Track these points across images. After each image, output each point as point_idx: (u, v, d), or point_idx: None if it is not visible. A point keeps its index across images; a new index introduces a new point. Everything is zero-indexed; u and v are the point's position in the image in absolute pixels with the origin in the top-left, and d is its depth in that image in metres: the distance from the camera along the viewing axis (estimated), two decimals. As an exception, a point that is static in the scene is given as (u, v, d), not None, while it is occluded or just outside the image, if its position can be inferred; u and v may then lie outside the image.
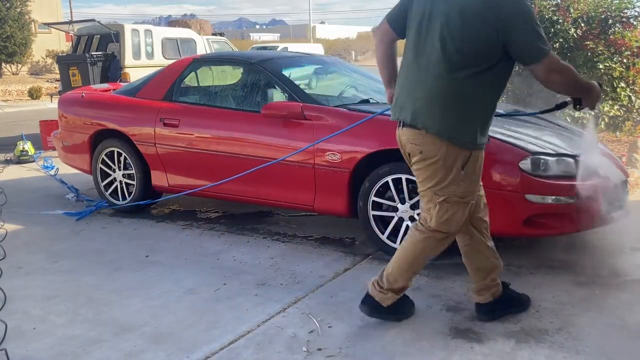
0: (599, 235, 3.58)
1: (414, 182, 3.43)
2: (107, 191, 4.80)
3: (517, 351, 2.46)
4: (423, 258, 2.64)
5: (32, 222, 4.55)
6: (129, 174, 4.68)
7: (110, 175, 4.77)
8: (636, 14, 6.04)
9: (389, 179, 3.50)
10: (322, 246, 3.86)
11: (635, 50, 5.80)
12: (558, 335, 2.57)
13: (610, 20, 5.94)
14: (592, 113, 3.05)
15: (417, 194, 3.44)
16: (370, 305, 2.70)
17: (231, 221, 4.48)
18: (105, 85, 6.09)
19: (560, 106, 2.69)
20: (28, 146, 7.19)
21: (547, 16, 6.02)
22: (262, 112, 3.92)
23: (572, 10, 6.04)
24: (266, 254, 3.71)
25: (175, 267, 3.54)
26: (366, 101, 4.18)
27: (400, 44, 2.72)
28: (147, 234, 4.23)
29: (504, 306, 2.75)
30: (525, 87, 5.42)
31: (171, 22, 28.93)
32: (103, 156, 4.76)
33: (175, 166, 4.44)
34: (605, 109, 5.80)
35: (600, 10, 5.97)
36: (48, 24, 12.58)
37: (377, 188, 3.55)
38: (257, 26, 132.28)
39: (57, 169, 6.14)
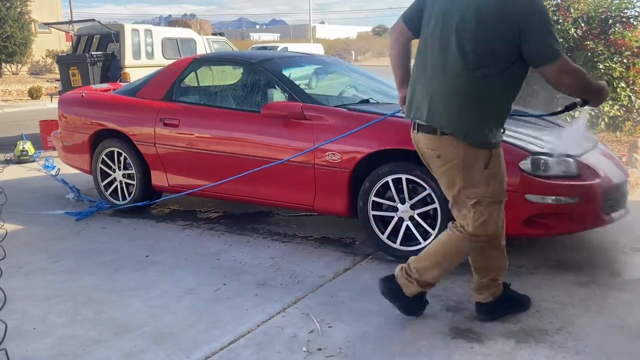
0: (599, 235, 3.58)
1: (414, 182, 3.44)
2: (107, 191, 4.80)
3: (517, 351, 2.46)
4: (456, 258, 2.62)
5: (32, 222, 4.55)
6: (129, 174, 4.68)
7: (110, 175, 4.77)
8: (636, 14, 6.03)
9: (389, 179, 3.50)
10: (322, 246, 3.86)
11: (635, 50, 5.80)
12: (558, 335, 2.57)
13: (610, 20, 5.94)
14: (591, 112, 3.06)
15: (416, 194, 3.46)
16: (389, 285, 2.69)
17: (231, 221, 4.48)
18: (105, 85, 6.09)
19: (569, 107, 2.71)
20: (28, 146, 7.19)
21: (547, 16, 6.01)
22: (262, 112, 3.92)
23: (572, 10, 6.04)
24: (266, 254, 3.71)
25: (175, 267, 3.54)
26: (366, 101, 4.18)
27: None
28: (147, 234, 4.23)
29: (504, 306, 2.75)
30: (524, 87, 5.42)
31: (171, 22, 28.98)
32: (103, 156, 4.77)
33: (175, 166, 4.44)
34: (605, 109, 5.80)
35: (600, 10, 5.97)
36: (48, 24, 12.58)
37: (377, 188, 3.55)
38: (257, 26, 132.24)
39: (59, 169, 6.14)
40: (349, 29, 64.08)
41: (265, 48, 23.92)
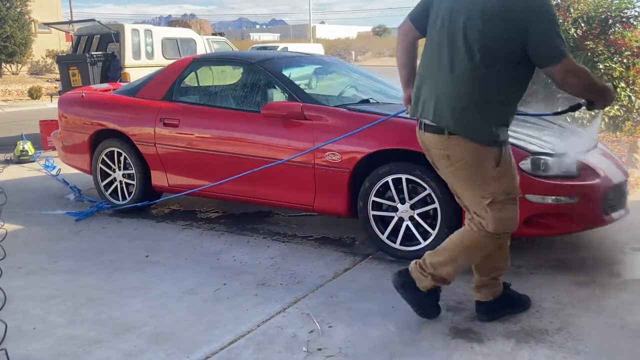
0: (599, 235, 3.58)
1: (414, 182, 3.44)
2: (107, 191, 4.80)
3: (517, 351, 2.46)
4: (474, 254, 2.59)
5: (32, 222, 4.55)
6: (129, 174, 4.68)
7: (110, 175, 4.77)
8: (636, 14, 6.03)
9: (389, 179, 3.50)
10: (322, 246, 3.86)
11: (635, 50, 5.80)
12: (558, 335, 2.57)
13: (610, 20, 5.94)
14: (597, 113, 3.05)
15: (416, 194, 3.46)
16: (403, 279, 2.66)
17: (231, 221, 4.48)
18: (105, 85, 6.09)
19: (574, 108, 2.71)
20: (28, 146, 7.18)
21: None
22: (262, 112, 3.92)
23: (572, 10, 6.04)
24: (266, 254, 3.71)
25: (175, 267, 3.54)
26: (366, 101, 4.18)
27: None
28: (147, 234, 4.23)
29: (504, 306, 2.75)
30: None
31: (171, 22, 28.98)
32: (103, 156, 4.77)
33: (175, 166, 4.44)
34: (606, 109, 5.80)
35: (600, 10, 5.97)
36: (48, 24, 12.58)
37: (377, 188, 3.55)
38: (257, 26, 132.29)
39: (59, 169, 6.14)
40: (349, 29, 64.09)
41: (265, 48, 23.92)
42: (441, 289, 2.72)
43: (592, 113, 5.24)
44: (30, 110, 14.50)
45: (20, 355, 2.52)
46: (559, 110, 2.83)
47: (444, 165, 2.53)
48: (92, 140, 4.84)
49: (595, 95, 2.48)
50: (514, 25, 2.28)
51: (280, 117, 3.88)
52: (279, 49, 22.09)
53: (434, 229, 3.42)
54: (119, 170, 4.71)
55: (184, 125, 4.33)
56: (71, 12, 33.69)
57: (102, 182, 4.81)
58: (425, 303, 2.69)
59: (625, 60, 5.82)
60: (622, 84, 5.85)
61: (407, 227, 3.51)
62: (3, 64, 22.34)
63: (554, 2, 6.27)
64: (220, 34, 14.32)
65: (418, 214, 3.47)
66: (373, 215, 3.60)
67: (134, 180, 4.64)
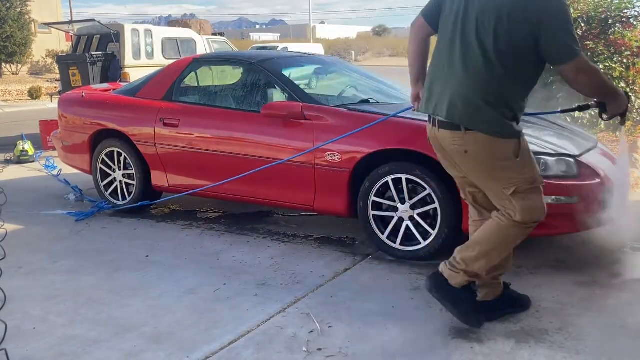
0: (599, 235, 3.58)
1: (414, 182, 3.44)
2: (107, 191, 4.80)
3: (517, 351, 2.46)
4: (505, 247, 2.57)
5: (32, 222, 4.55)
6: (129, 174, 4.68)
7: (110, 175, 4.77)
8: (636, 14, 6.03)
9: (389, 179, 3.50)
10: (322, 246, 3.86)
11: (635, 50, 5.80)
12: (558, 335, 2.57)
13: (610, 20, 5.94)
14: (622, 127, 3.03)
15: (416, 194, 3.46)
16: (435, 280, 2.63)
17: (231, 221, 4.48)
18: (105, 85, 6.09)
19: (582, 108, 2.70)
20: (28, 146, 7.18)
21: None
22: (262, 112, 3.92)
23: (572, 10, 6.04)
24: (266, 254, 3.71)
25: (175, 267, 3.54)
26: (366, 101, 4.18)
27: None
28: (147, 234, 4.23)
29: (504, 306, 2.75)
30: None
31: (171, 22, 28.97)
32: (103, 156, 4.76)
33: (175, 166, 4.44)
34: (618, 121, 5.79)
35: (600, 10, 5.97)
36: (48, 24, 12.57)
37: (377, 188, 3.55)
38: (257, 26, 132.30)
39: (60, 169, 6.13)
40: (349, 29, 64.09)
41: (265, 48, 23.92)
42: (476, 285, 2.69)
43: (592, 113, 5.24)
44: (30, 110, 14.50)
45: (20, 355, 2.53)
46: (568, 108, 2.83)
47: (463, 160, 2.50)
48: (92, 140, 4.84)
49: (607, 97, 2.48)
50: (528, 23, 2.29)
51: (280, 117, 3.88)
52: (279, 49, 22.10)
53: (434, 229, 3.42)
54: (119, 170, 4.71)
55: (184, 125, 4.33)
56: (71, 12, 33.69)
57: (102, 182, 4.81)
58: (463, 304, 2.61)
59: (625, 60, 5.82)
60: (622, 84, 5.84)
61: (407, 227, 3.51)
62: (3, 64, 22.34)
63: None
64: (220, 34, 14.32)
65: (418, 214, 3.47)
66: (373, 215, 3.60)
67: (134, 180, 4.64)
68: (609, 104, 2.50)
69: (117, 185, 4.75)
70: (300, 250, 3.78)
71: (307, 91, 4.22)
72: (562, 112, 3.04)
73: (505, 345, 2.50)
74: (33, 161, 7.05)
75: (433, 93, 2.53)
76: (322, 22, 75.71)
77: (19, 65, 23.15)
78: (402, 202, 3.51)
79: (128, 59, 9.13)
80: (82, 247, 3.94)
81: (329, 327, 2.71)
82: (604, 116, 2.53)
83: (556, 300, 2.93)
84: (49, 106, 13.47)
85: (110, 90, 5.36)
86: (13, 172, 6.53)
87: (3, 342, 2.62)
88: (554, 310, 2.81)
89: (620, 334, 2.59)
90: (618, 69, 5.77)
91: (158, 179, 4.54)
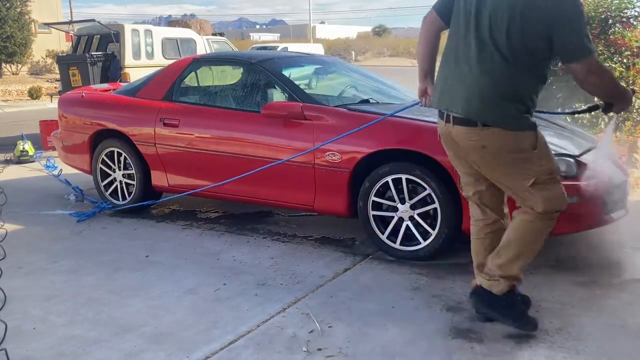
0: (599, 235, 3.58)
1: (414, 182, 3.44)
2: (107, 191, 4.80)
3: (517, 351, 2.46)
4: (535, 241, 2.55)
5: (32, 222, 4.55)
6: (129, 174, 4.68)
7: (110, 175, 4.77)
8: (636, 14, 6.03)
9: (389, 179, 3.50)
10: (322, 246, 3.86)
11: (635, 50, 5.80)
12: (558, 335, 2.57)
13: (610, 20, 5.94)
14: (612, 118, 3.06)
15: (416, 194, 3.46)
16: (478, 295, 2.61)
17: (231, 221, 4.48)
18: (105, 85, 6.09)
19: (592, 109, 2.71)
20: (28, 146, 7.18)
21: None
22: (262, 112, 3.92)
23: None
24: (266, 254, 3.71)
25: (175, 267, 3.54)
26: (366, 101, 4.18)
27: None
28: (147, 234, 4.23)
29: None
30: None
31: (171, 22, 28.96)
32: (103, 156, 4.76)
33: (175, 166, 4.44)
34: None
35: (600, 10, 5.97)
36: (48, 24, 12.57)
37: (377, 188, 3.55)
38: (257, 26, 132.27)
39: (61, 169, 6.13)
40: (349, 29, 64.11)
41: (265, 48, 23.93)
42: (517, 288, 2.66)
43: (592, 113, 5.25)
44: (30, 110, 14.50)
45: (20, 355, 2.53)
46: (577, 109, 2.83)
47: (480, 155, 2.49)
48: (92, 140, 4.84)
49: (615, 98, 2.49)
50: (541, 21, 2.29)
51: (280, 117, 3.88)
52: (279, 49, 22.10)
53: (433, 229, 3.42)
54: (119, 170, 4.71)
55: (184, 125, 4.33)
56: (71, 12, 33.68)
57: (102, 182, 4.81)
58: (513, 310, 2.59)
59: (625, 60, 5.82)
60: (622, 84, 5.84)
61: (407, 227, 3.51)
62: (3, 64, 22.33)
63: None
64: (220, 34, 14.31)
65: (418, 214, 3.47)
66: (373, 215, 3.60)
67: (134, 180, 4.64)
68: (616, 104, 2.51)
69: (117, 185, 4.75)
70: (300, 250, 3.78)
71: (307, 91, 4.22)
72: (573, 113, 3.05)
73: (505, 345, 2.50)
74: (33, 161, 7.05)
75: (446, 89, 2.53)
76: (322, 22, 75.74)
77: (19, 65, 23.15)
78: (402, 202, 3.51)
79: (128, 59, 9.13)
80: (82, 247, 3.94)
81: (329, 327, 2.71)
82: (607, 110, 2.56)
83: (556, 300, 2.93)
84: (49, 106, 13.48)
85: (110, 90, 5.36)
86: (13, 172, 6.53)
87: (3, 342, 2.62)
88: (554, 310, 2.81)
89: (620, 334, 2.59)
90: (618, 69, 5.77)
91: (158, 179, 4.54)
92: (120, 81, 8.24)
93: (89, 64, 8.82)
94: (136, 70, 8.83)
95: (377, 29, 61.97)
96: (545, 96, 4.20)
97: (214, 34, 15.85)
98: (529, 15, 2.30)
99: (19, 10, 21.56)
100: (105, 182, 4.80)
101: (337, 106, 3.90)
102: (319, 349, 2.51)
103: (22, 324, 2.81)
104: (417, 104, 3.19)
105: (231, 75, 5.02)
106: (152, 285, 3.26)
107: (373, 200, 3.58)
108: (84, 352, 2.54)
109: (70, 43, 12.45)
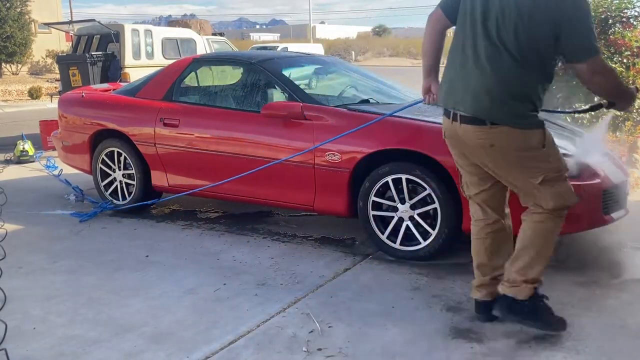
0: (599, 235, 3.58)
1: (414, 182, 3.44)
2: (107, 191, 4.80)
3: (517, 351, 2.46)
4: (549, 242, 2.54)
5: (32, 222, 4.55)
6: (129, 174, 4.68)
7: (110, 175, 4.77)
8: (636, 14, 6.02)
9: (389, 179, 3.50)
10: (322, 246, 3.86)
11: (635, 50, 5.79)
12: (558, 335, 2.57)
13: (610, 20, 5.94)
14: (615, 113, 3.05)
15: (416, 194, 3.46)
16: (503, 303, 2.58)
17: (231, 221, 4.48)
18: (105, 85, 6.09)
19: (595, 108, 2.71)
20: (28, 146, 7.18)
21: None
22: (262, 112, 3.92)
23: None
24: (266, 254, 3.71)
25: (175, 267, 3.54)
26: (366, 101, 4.18)
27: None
28: (147, 234, 4.23)
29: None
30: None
31: (171, 22, 28.96)
32: (103, 156, 4.76)
33: (175, 166, 4.44)
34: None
35: (600, 10, 5.97)
36: (48, 24, 12.57)
37: (377, 188, 3.55)
38: (257, 26, 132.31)
39: (62, 169, 6.13)
40: (349, 29, 64.13)
41: (265, 48, 23.93)
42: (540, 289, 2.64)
43: (592, 113, 5.25)
44: (30, 110, 14.50)
45: (20, 355, 2.53)
46: (580, 108, 2.84)
47: (488, 153, 2.48)
48: (92, 140, 4.84)
49: (618, 97, 2.49)
50: (548, 21, 2.30)
51: (280, 117, 3.88)
52: (279, 49, 22.10)
53: (433, 229, 3.42)
54: (119, 170, 4.71)
55: (184, 125, 4.33)
56: (71, 12, 33.68)
57: (102, 182, 4.81)
58: (542, 313, 2.58)
59: (625, 60, 5.82)
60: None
61: (407, 227, 3.51)
62: (3, 64, 22.34)
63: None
64: (220, 34, 14.32)
65: (418, 214, 3.47)
66: (373, 215, 3.60)
67: (134, 180, 4.64)
68: (619, 102, 2.52)
69: (117, 185, 4.75)
70: (300, 250, 3.78)
71: (307, 91, 4.22)
72: (575, 112, 3.05)
73: (505, 345, 2.50)
74: (33, 161, 7.05)
75: (453, 88, 2.53)
76: (322, 22, 75.77)
77: (19, 65, 23.15)
78: (402, 202, 3.51)
79: (128, 59, 9.13)
80: (82, 247, 3.94)
81: (329, 327, 2.71)
82: (609, 107, 2.56)
83: (556, 300, 2.92)
84: (49, 106, 13.47)
85: (110, 90, 5.36)
86: (13, 172, 6.53)
87: (3, 342, 2.62)
88: (554, 310, 2.81)
89: (620, 334, 2.59)
90: (618, 69, 5.77)
91: (158, 179, 4.54)
92: (120, 81, 8.24)
93: (89, 64, 8.82)
94: (136, 70, 8.83)
95: (377, 29, 61.99)
96: (545, 96, 4.19)
97: (214, 34, 15.85)
98: (536, 16, 2.31)
99: (19, 10, 21.56)
100: (105, 182, 4.80)
101: (337, 106, 3.90)
102: (319, 349, 2.51)
103: (22, 324, 2.81)
104: (418, 102, 3.19)
105: (231, 75, 5.02)
106: (152, 285, 3.26)
107: (373, 200, 3.58)
108: (84, 352, 2.54)
109: (70, 43, 12.45)
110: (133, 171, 4.62)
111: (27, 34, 21.86)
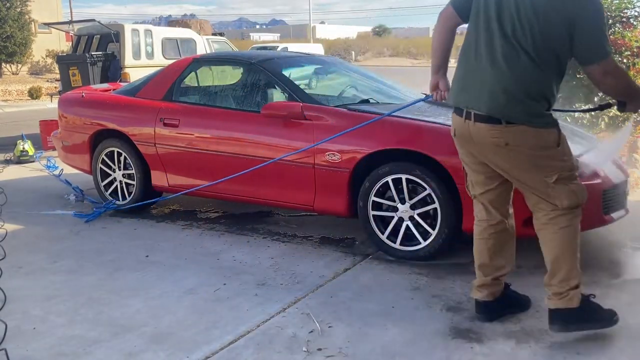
0: (599, 235, 3.58)
1: (414, 182, 3.44)
2: (107, 191, 4.80)
3: (517, 351, 2.46)
4: (574, 244, 2.51)
5: (32, 222, 4.55)
6: (129, 174, 4.68)
7: (110, 175, 4.77)
8: (636, 14, 6.02)
9: (389, 179, 3.50)
10: (322, 246, 3.86)
11: (635, 50, 5.79)
12: (558, 336, 2.56)
13: (610, 20, 5.94)
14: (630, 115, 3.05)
15: (416, 194, 3.46)
16: (559, 317, 2.53)
17: (231, 221, 4.48)
18: (105, 85, 6.09)
19: (604, 107, 2.71)
20: (28, 146, 7.18)
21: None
22: (262, 112, 3.92)
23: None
24: (266, 254, 3.71)
25: (175, 267, 3.54)
26: (366, 101, 4.18)
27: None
28: (147, 234, 4.23)
29: (504, 306, 2.74)
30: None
31: (171, 22, 28.95)
32: (103, 156, 4.76)
33: (175, 166, 4.44)
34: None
35: (600, 10, 5.96)
36: (48, 24, 12.58)
37: (377, 188, 3.55)
38: (257, 26, 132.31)
39: (62, 169, 6.13)
40: (349, 29, 64.14)
41: (265, 48, 23.93)
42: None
43: (592, 113, 5.24)
44: (30, 110, 14.50)
45: (20, 355, 2.53)
46: (589, 107, 2.84)
47: (500, 153, 2.47)
48: (92, 140, 4.84)
49: (629, 97, 2.49)
50: (562, 22, 2.30)
51: (280, 117, 3.88)
52: (279, 49, 22.11)
53: (434, 229, 3.42)
54: (119, 170, 4.72)
55: (184, 125, 4.33)
56: (71, 12, 33.67)
57: (102, 182, 4.81)
58: (599, 314, 2.56)
59: (625, 60, 5.82)
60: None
61: (407, 227, 3.51)
62: (3, 64, 22.35)
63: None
64: (220, 34, 14.32)
65: (418, 214, 3.47)
66: (373, 215, 3.60)
67: (134, 180, 4.64)
68: (629, 103, 2.51)
69: (117, 185, 4.75)
70: (300, 250, 3.78)
71: (307, 91, 4.22)
72: (585, 111, 3.05)
73: (505, 345, 2.51)
74: (33, 161, 7.05)
75: (466, 86, 2.51)
76: (322, 22, 75.75)
77: (19, 65, 23.16)
78: (402, 202, 3.51)
79: (128, 59, 9.13)
80: (82, 247, 3.94)
81: (329, 327, 2.71)
82: (621, 109, 2.56)
83: (556, 300, 2.92)
84: (49, 106, 13.47)
85: (110, 90, 5.36)
86: (13, 172, 6.53)
87: (3, 342, 2.62)
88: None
89: (621, 334, 2.59)
90: (618, 69, 5.76)
91: (158, 179, 4.54)
92: (120, 81, 8.24)
93: (89, 64, 8.82)
94: (136, 70, 8.83)
95: (377, 29, 61.97)
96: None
97: (214, 34, 15.85)
98: (551, 17, 2.30)
99: (19, 10, 21.58)
100: (105, 182, 4.80)
101: (337, 106, 3.91)
102: (319, 349, 2.51)
103: (22, 324, 2.81)
104: (426, 98, 3.17)
105: (231, 75, 5.02)
106: (152, 285, 3.26)
107: (373, 200, 3.58)
108: (84, 352, 2.54)
109: (70, 43, 12.45)
110: (133, 171, 4.62)
111: (27, 34, 21.88)
